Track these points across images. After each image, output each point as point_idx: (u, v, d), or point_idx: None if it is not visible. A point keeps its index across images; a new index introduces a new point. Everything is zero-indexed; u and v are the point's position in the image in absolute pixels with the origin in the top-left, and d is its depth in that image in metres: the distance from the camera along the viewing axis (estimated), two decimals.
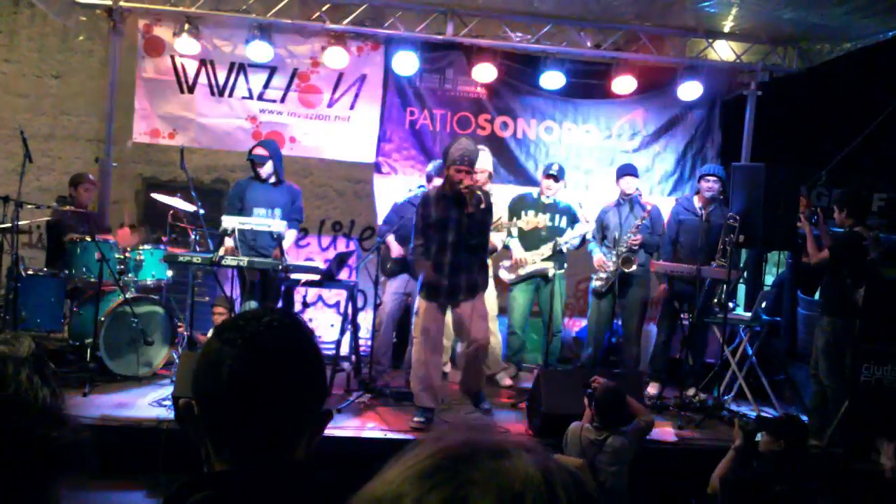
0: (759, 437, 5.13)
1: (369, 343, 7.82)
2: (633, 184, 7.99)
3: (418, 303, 6.51)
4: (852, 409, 6.50)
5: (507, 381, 7.94)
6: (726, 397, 7.54)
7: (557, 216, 8.06)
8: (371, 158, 8.90)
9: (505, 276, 7.97)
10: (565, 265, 8.05)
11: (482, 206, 6.38)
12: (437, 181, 7.40)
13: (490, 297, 7.42)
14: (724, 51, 9.05)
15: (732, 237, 7.14)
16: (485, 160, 7.36)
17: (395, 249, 7.57)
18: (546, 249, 7.86)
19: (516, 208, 8.08)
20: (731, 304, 7.75)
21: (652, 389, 7.74)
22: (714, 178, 7.90)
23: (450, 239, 6.32)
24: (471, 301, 6.40)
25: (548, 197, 8.08)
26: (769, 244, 7.73)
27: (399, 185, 8.57)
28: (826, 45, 8.69)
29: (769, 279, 9.08)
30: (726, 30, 8.72)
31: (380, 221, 8.30)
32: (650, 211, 7.88)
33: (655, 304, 8.31)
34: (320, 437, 1.57)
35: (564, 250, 7.94)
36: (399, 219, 7.64)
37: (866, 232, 6.89)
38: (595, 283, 7.96)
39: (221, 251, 6.98)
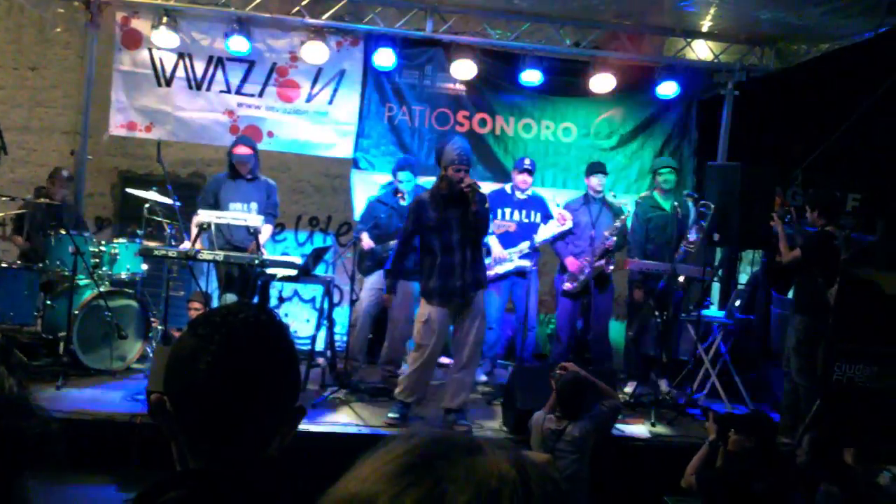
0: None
1: (345, 339, 7.81)
2: (602, 181, 8.04)
3: (424, 309, 6.43)
4: (824, 408, 6.56)
5: (483, 378, 7.95)
6: (699, 395, 7.60)
7: (533, 212, 8.10)
8: (349, 154, 8.86)
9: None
10: (537, 262, 8.10)
11: (486, 203, 6.40)
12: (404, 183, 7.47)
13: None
14: (701, 50, 9.10)
15: (703, 223, 7.21)
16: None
17: (366, 243, 7.55)
18: (524, 246, 7.89)
19: (492, 205, 8.08)
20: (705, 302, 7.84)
21: (628, 388, 7.79)
22: (669, 170, 8.03)
23: (455, 239, 6.30)
24: (473, 301, 6.39)
25: (522, 192, 8.11)
26: (744, 243, 7.81)
27: (377, 181, 8.56)
28: (803, 45, 8.75)
29: (743, 278, 9.15)
30: (704, 29, 8.76)
31: (357, 217, 8.30)
32: (626, 217, 7.97)
33: (625, 302, 8.39)
34: (294, 433, 1.57)
35: (542, 246, 7.98)
36: (372, 217, 7.66)
37: (838, 232, 6.96)
38: (567, 285, 8.00)
39: (194, 245, 6.95)
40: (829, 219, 7.00)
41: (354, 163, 8.86)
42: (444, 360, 7.52)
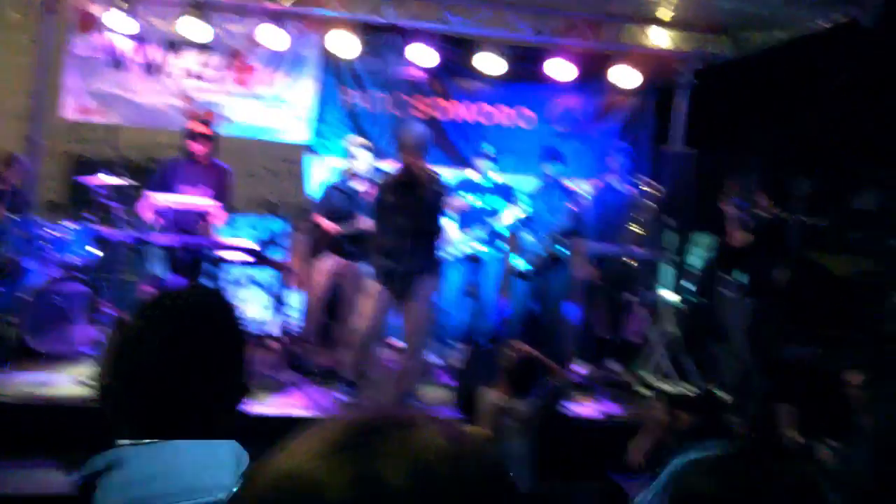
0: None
1: (298, 323, 7.79)
2: (559, 168, 8.08)
3: (369, 284, 6.49)
4: (771, 388, 6.63)
5: (437, 360, 7.95)
6: (649, 376, 7.67)
7: (496, 198, 8.12)
8: (306, 139, 8.85)
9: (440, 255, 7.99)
10: (501, 246, 8.12)
11: (437, 189, 6.41)
12: (359, 162, 7.54)
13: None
14: (660, 38, 9.13)
15: (653, 204, 7.30)
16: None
17: (328, 226, 7.54)
18: (481, 231, 7.90)
19: (456, 192, 8.10)
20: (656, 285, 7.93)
21: (579, 368, 7.84)
22: (620, 152, 8.20)
23: (403, 224, 6.30)
24: (418, 286, 6.41)
25: (486, 179, 8.13)
26: (696, 227, 7.90)
27: (333, 166, 8.55)
28: (760, 34, 8.80)
29: (695, 261, 9.21)
30: (663, 18, 8.79)
31: (313, 202, 8.28)
32: (582, 201, 8.01)
33: (579, 285, 8.44)
34: (240, 413, 1.56)
35: (500, 231, 8.00)
36: (328, 204, 7.67)
37: (789, 217, 7.04)
38: (521, 266, 8.03)
39: (146, 229, 6.89)
40: (782, 204, 7.07)
41: (311, 148, 8.84)
42: (397, 342, 7.52)
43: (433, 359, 7.81)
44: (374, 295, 6.36)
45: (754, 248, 7.03)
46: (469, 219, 7.98)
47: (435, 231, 6.54)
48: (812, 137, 8.39)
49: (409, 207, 6.26)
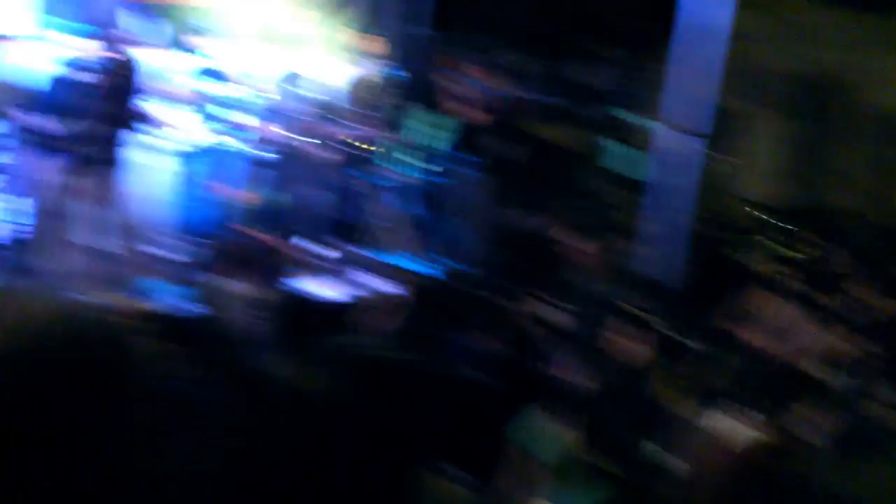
0: None
1: (27, 228, 7.39)
2: (299, 56, 8.05)
3: (81, 179, 6.28)
4: (510, 259, 6.89)
5: (175, 256, 7.73)
6: (391, 255, 7.84)
7: (213, 80, 7.98)
8: (25, 31, 8.19)
9: (161, 144, 7.72)
10: (242, 134, 7.94)
11: (127, 74, 6.17)
12: (85, 52, 7.18)
13: (144, 170, 7.21)
14: None
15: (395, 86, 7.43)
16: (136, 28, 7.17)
17: (46, 126, 7.12)
18: (219, 119, 7.71)
19: (167, 74, 7.86)
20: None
21: (320, 250, 7.89)
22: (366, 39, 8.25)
23: (102, 111, 6.28)
24: (118, 175, 6.22)
25: (223, 65, 8.01)
26: (437, 108, 8.06)
27: (59, 58, 7.99)
28: None
29: (434, 142, 9.41)
30: None
31: (35, 98, 7.74)
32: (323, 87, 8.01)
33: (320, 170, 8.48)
34: None
35: (241, 120, 7.82)
36: (52, 97, 7.18)
37: (521, 94, 7.28)
38: (261, 154, 7.94)
39: None
40: (515, 82, 7.28)
41: (30, 38, 8.19)
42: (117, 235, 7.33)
43: (171, 254, 7.60)
44: (84, 188, 6.15)
45: (489, 126, 7.22)
46: (207, 107, 7.74)
47: (131, 119, 6.39)
48: (545, 19, 8.64)
49: (109, 95, 6.09)
